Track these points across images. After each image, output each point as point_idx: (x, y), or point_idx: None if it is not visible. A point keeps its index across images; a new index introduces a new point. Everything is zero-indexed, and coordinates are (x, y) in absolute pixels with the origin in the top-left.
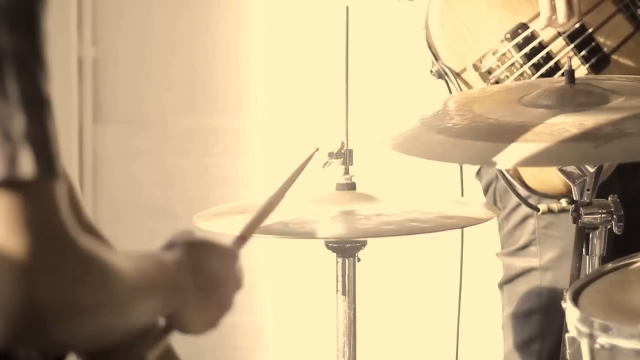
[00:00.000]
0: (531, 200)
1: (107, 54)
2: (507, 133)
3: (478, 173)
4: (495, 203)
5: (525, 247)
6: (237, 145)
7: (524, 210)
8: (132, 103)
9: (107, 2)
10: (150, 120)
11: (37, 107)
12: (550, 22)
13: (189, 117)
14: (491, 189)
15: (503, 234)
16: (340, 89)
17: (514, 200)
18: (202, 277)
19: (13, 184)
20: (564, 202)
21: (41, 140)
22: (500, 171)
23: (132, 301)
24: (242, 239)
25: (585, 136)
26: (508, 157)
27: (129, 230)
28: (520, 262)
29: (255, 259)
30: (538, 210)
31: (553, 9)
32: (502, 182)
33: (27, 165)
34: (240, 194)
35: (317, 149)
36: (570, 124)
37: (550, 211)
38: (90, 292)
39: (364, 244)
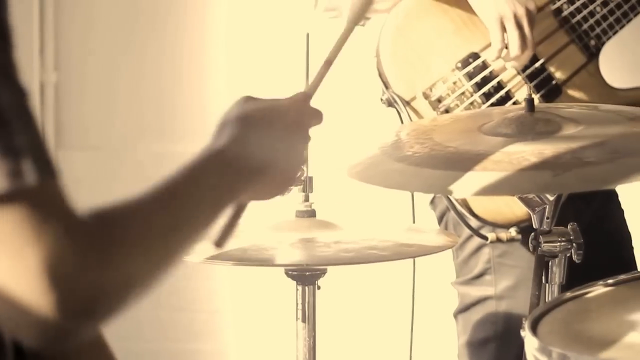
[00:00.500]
0: (484, 230)
1: (69, 79)
2: (466, 161)
3: (432, 202)
4: None
5: (480, 275)
6: None
7: (479, 239)
8: (96, 128)
9: (69, 27)
10: (114, 145)
11: (24, 114)
12: (502, 55)
13: (155, 143)
14: (445, 218)
15: (458, 262)
16: None
17: (468, 230)
18: (266, 137)
19: (20, 195)
20: (513, 232)
21: (36, 145)
22: (450, 202)
23: (181, 208)
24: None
25: (544, 165)
26: (467, 186)
27: None
28: (476, 291)
29: (217, 285)
30: (487, 239)
31: (505, 41)
32: None
33: (29, 174)
34: None
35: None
36: (529, 152)
37: (499, 240)
38: (128, 250)
39: (324, 271)
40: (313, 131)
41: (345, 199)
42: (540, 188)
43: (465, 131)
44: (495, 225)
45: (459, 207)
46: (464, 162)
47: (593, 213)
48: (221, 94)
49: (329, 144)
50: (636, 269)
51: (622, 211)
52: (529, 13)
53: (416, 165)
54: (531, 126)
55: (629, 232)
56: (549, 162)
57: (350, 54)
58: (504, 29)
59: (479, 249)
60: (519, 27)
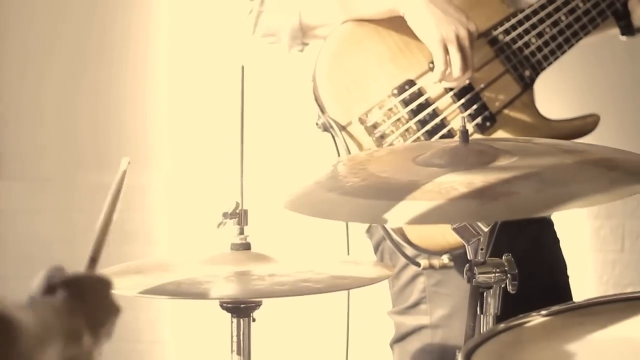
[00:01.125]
0: (419, 259)
1: (8, 109)
2: (396, 191)
3: (368, 231)
4: (383, 261)
5: (415, 305)
6: (142, 200)
7: (414, 268)
8: (35, 159)
9: (7, 57)
10: (53, 176)
11: None
12: (444, 77)
13: (93, 173)
14: (381, 247)
15: (393, 292)
16: (236, 148)
17: (403, 258)
18: (91, 311)
19: None
20: (445, 259)
21: None
22: (386, 231)
23: (38, 353)
24: (94, 260)
25: (472, 194)
26: (396, 215)
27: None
28: (411, 320)
29: (158, 315)
30: (419, 265)
31: (447, 63)
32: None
33: None
34: (145, 250)
35: (129, 162)
36: (459, 182)
37: (431, 267)
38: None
39: (259, 304)
40: (249, 163)
41: (281, 231)
42: (466, 216)
43: (400, 162)
44: (428, 253)
45: (394, 236)
46: (394, 191)
47: (528, 242)
48: (160, 125)
49: (263, 175)
50: (571, 298)
51: (557, 240)
52: (470, 35)
53: (347, 195)
54: (464, 157)
55: (564, 261)
56: (477, 192)
57: (286, 79)
58: (446, 51)
59: (414, 278)
60: (461, 48)
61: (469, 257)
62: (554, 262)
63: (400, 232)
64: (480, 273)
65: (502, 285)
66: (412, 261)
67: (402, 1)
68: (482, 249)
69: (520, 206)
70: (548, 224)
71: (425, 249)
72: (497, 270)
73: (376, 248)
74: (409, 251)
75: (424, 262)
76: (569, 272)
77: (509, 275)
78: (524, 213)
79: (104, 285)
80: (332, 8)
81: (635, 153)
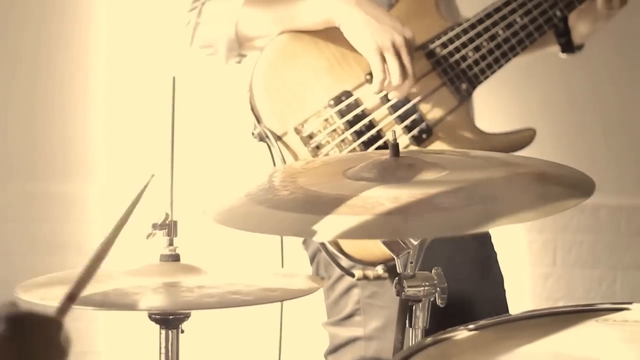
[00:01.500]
0: (354, 270)
1: None
2: (323, 205)
3: (304, 242)
4: (318, 272)
5: (350, 316)
6: (74, 210)
7: (349, 280)
8: None
9: None
10: None
11: None
12: (384, 86)
13: (25, 182)
14: (316, 259)
15: (328, 303)
16: (166, 159)
17: (339, 270)
18: (27, 352)
19: None
20: (380, 270)
21: None
22: (321, 242)
23: None
24: (71, 297)
25: (397, 210)
26: (320, 230)
27: None
28: (345, 332)
29: (90, 326)
30: (353, 275)
31: (386, 72)
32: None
33: None
34: (76, 260)
35: (153, 175)
36: (385, 197)
37: (365, 278)
38: None
39: (187, 315)
40: (180, 173)
41: (214, 242)
42: (389, 233)
43: (330, 175)
44: (363, 264)
45: (329, 247)
46: (321, 205)
47: (466, 255)
48: (94, 135)
49: (195, 186)
50: (508, 311)
51: (495, 253)
52: (407, 42)
53: (274, 208)
54: (393, 171)
55: (501, 274)
56: (403, 208)
57: (222, 90)
58: (384, 60)
59: (349, 289)
60: (399, 56)
61: (398, 270)
62: (491, 275)
63: (335, 243)
64: (409, 286)
65: (432, 299)
66: (347, 272)
67: (337, 12)
68: (411, 262)
69: (444, 223)
70: (486, 237)
71: (360, 260)
72: (427, 283)
73: (312, 259)
74: (344, 262)
75: (358, 273)
76: (506, 286)
77: (438, 288)
78: (449, 230)
79: (52, 327)
80: (268, 19)
81: (568, 167)
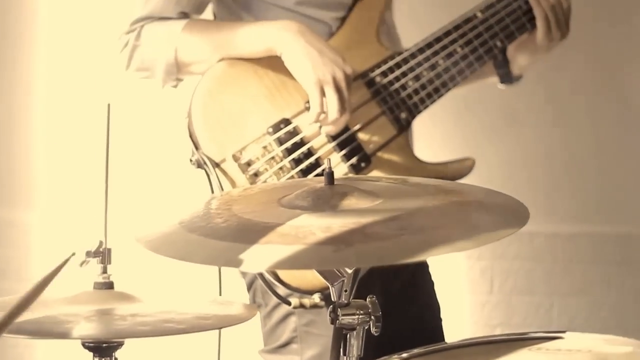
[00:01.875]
0: (291, 297)
1: None
2: (255, 234)
3: (241, 270)
4: (256, 300)
5: (286, 344)
6: (13, 237)
7: (286, 308)
8: None
9: None
10: None
11: None
12: (320, 119)
13: None
14: (254, 286)
15: (265, 331)
16: (101, 186)
17: (276, 298)
18: None
19: None
20: (316, 298)
21: None
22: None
23: None
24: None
25: (328, 240)
26: (251, 260)
27: None
28: None
29: (27, 352)
30: (290, 304)
31: (324, 105)
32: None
33: None
34: (15, 287)
35: (73, 254)
36: (317, 226)
37: (302, 306)
38: None
39: (121, 343)
40: (115, 200)
41: (151, 270)
42: (319, 263)
43: (265, 203)
44: (300, 292)
45: (266, 275)
46: (253, 234)
47: (403, 283)
48: (35, 161)
49: (128, 213)
50: (443, 339)
51: (432, 283)
52: (347, 77)
53: (207, 237)
54: (327, 200)
55: (438, 303)
56: (333, 237)
57: (161, 116)
58: (323, 93)
59: (286, 317)
60: (338, 90)
61: (332, 299)
62: (427, 305)
63: (272, 271)
64: (343, 315)
65: (366, 327)
66: (284, 300)
67: (279, 41)
68: (345, 291)
69: (376, 253)
70: (423, 266)
71: (296, 288)
72: (361, 312)
73: (249, 287)
74: (281, 290)
75: (294, 301)
76: (444, 313)
77: (372, 317)
78: (380, 260)
79: None
80: (208, 46)
81: (504, 194)
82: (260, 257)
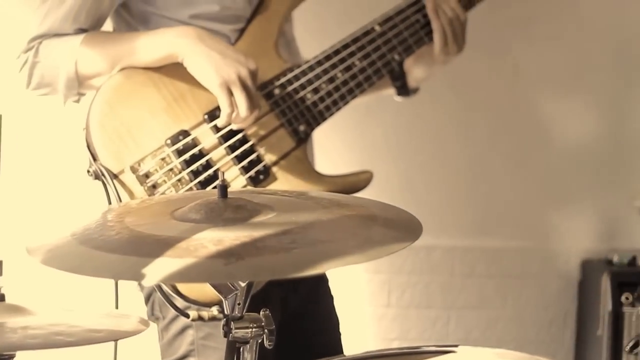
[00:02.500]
0: (189, 310)
1: None
2: (146, 247)
3: (139, 283)
4: (154, 312)
5: (184, 357)
6: None
7: (184, 320)
8: None
9: None
10: None
11: None
12: (231, 119)
13: None
14: (152, 299)
15: (163, 344)
16: None
17: (174, 310)
18: None
19: None
20: (215, 310)
21: None
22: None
23: None
24: None
25: (219, 253)
26: (141, 272)
27: None
28: None
29: None
30: (188, 316)
31: (233, 105)
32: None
33: None
34: None
35: None
36: (209, 239)
37: (200, 318)
38: None
39: (12, 356)
40: (8, 212)
41: (45, 283)
42: (210, 277)
43: (158, 215)
44: (199, 304)
45: (164, 287)
46: (144, 247)
47: (302, 298)
48: None
49: (20, 224)
50: (342, 353)
51: (331, 297)
52: (252, 73)
53: (98, 249)
54: (220, 212)
55: (337, 317)
56: (225, 251)
57: (58, 128)
58: (230, 93)
59: (183, 330)
60: (245, 88)
61: (225, 312)
62: (327, 319)
63: (170, 283)
64: (237, 328)
65: (259, 341)
66: (182, 313)
67: (180, 48)
68: (239, 304)
69: (267, 267)
70: (322, 280)
71: (195, 301)
72: (254, 325)
73: (147, 299)
74: (179, 302)
75: (193, 313)
76: (347, 325)
77: (266, 330)
78: (271, 274)
79: None
80: (107, 57)
81: (398, 208)
82: (150, 270)
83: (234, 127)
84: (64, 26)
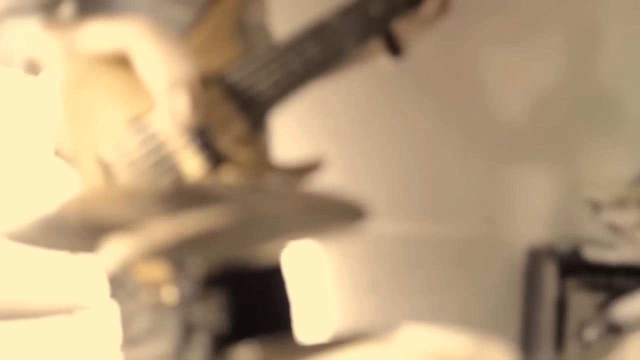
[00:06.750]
0: (143, 291)
1: None
2: (100, 230)
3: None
4: (111, 293)
5: (138, 339)
6: None
7: (138, 302)
8: None
9: None
10: None
11: None
12: (175, 120)
13: None
14: (109, 279)
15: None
16: None
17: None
18: None
19: None
20: (167, 292)
21: None
22: None
23: None
24: None
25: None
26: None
27: None
28: None
29: None
30: (142, 298)
31: (178, 103)
32: None
33: None
34: None
35: None
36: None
37: (153, 300)
38: None
39: None
40: None
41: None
42: (162, 256)
43: (113, 199)
44: (152, 286)
45: (117, 269)
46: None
47: (256, 284)
48: None
49: None
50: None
51: (285, 283)
52: (200, 75)
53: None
54: (173, 199)
55: (289, 304)
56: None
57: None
58: (176, 93)
59: (137, 312)
60: (191, 87)
61: (180, 294)
62: (280, 305)
63: (123, 264)
64: (190, 310)
65: (214, 323)
66: (136, 294)
67: (128, 41)
68: (192, 286)
69: (217, 248)
70: (276, 268)
71: (148, 282)
72: (208, 308)
73: (108, 281)
74: (132, 284)
75: (146, 295)
76: (296, 314)
77: (219, 313)
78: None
79: None
80: (59, 45)
81: (343, 194)
82: (105, 251)
83: (178, 124)
84: (23, 3)
